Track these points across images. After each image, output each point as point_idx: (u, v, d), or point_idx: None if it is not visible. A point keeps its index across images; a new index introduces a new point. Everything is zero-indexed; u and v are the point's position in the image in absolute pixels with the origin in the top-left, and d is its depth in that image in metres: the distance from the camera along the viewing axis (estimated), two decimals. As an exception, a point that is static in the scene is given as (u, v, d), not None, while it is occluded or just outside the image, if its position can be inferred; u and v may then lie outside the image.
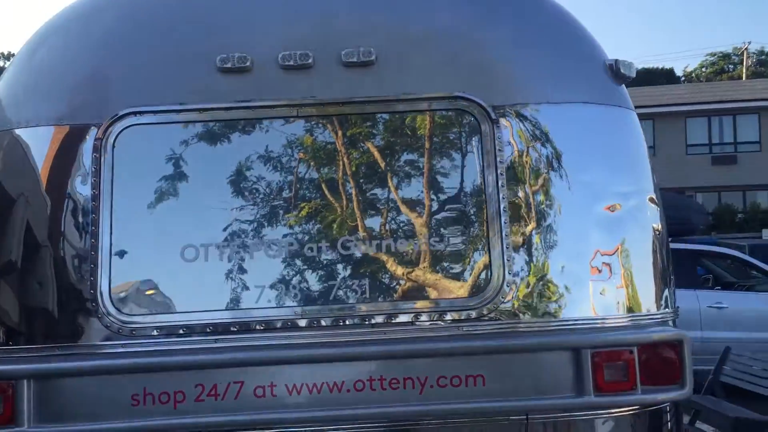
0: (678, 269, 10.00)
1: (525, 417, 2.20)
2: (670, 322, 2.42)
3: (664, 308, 2.44)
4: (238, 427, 2.13)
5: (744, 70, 42.92)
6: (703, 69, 48.75)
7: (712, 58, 48.33)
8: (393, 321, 2.22)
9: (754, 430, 6.12)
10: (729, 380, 6.90)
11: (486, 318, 2.22)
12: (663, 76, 43.45)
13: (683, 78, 47.15)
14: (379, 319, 2.22)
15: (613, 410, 2.24)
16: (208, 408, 2.13)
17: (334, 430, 2.17)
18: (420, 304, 2.24)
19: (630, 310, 2.35)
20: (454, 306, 2.23)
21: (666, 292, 2.46)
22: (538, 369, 2.22)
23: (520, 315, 2.24)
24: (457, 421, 2.20)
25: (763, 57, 47.58)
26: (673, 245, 10.10)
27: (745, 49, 44.07)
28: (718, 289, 9.75)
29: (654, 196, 2.48)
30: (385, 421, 2.18)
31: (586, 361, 2.18)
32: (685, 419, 7.29)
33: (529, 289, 2.26)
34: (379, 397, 2.16)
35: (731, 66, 47.37)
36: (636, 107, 2.55)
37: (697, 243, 11.41)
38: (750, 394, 6.56)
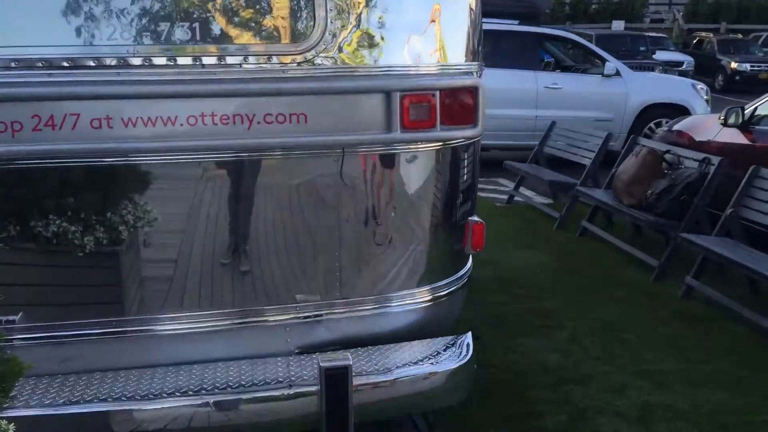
0: (521, 51, 10.57)
1: (341, 150, 2.52)
2: (474, 73, 2.75)
3: (471, 61, 2.76)
4: (76, 155, 2.31)
5: None
6: None
7: None
8: (223, 62, 2.39)
9: (563, 189, 7.03)
10: (553, 151, 7.73)
11: (309, 63, 2.45)
12: None
13: None
14: (210, 60, 2.39)
15: (417, 144, 2.61)
16: (46, 137, 2.28)
17: (166, 160, 2.39)
18: (248, 49, 2.42)
19: (440, 60, 2.64)
20: (280, 51, 2.43)
21: (473, 47, 2.76)
22: (354, 109, 2.51)
23: (340, 61, 2.48)
24: (281, 153, 2.49)
25: None
26: (518, 28, 10.55)
27: None
28: (557, 72, 10.47)
29: None
30: (214, 152, 2.43)
31: (395, 102, 2.50)
32: (510, 185, 8.19)
33: (349, 39, 2.48)
34: (209, 131, 2.39)
35: None
36: None
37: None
38: (569, 163, 7.41)
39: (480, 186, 9.23)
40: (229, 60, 2.40)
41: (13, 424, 1.62)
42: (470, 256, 3.11)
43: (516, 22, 10.03)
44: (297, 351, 2.65)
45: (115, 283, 2.48)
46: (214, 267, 2.53)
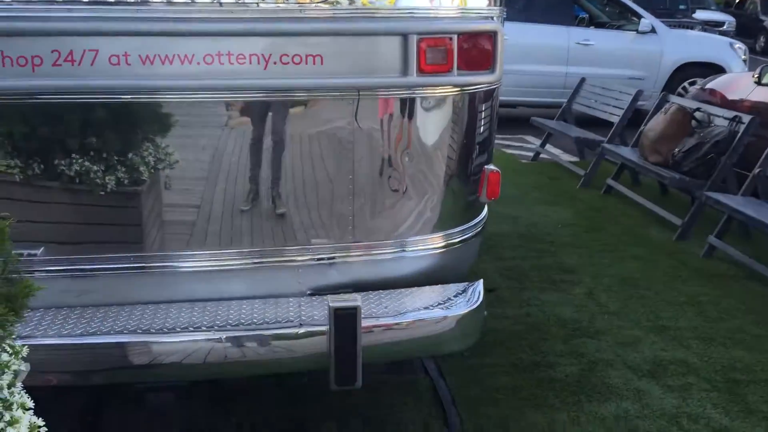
0: (553, 6, 10.32)
1: (357, 93, 2.52)
2: (495, 18, 2.70)
3: (492, 5, 2.72)
4: (94, 91, 2.33)
5: None
6: None
7: None
8: (240, 1, 2.38)
9: (589, 147, 6.95)
10: (582, 108, 7.63)
11: (326, 3, 2.42)
12: None
13: None
14: (228, -1, 2.38)
15: (434, 89, 2.59)
16: (65, 73, 2.30)
17: (183, 98, 2.41)
18: (266, -13, 2.40)
19: (460, 3, 2.60)
20: (297, -10, 2.42)
21: (496, -7, 2.72)
22: (371, 52, 2.49)
23: (358, 2, 2.45)
24: (297, 95, 2.49)
25: None
26: (550, -19, 10.17)
27: None
28: (590, 28, 10.25)
29: None
30: (230, 92, 2.43)
31: (412, 45, 2.47)
32: (537, 142, 8.11)
33: None
34: (225, 71, 2.39)
35: None
36: None
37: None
38: (598, 122, 7.31)
39: (506, 142, 9.19)
40: (247, -1, 2.39)
41: (26, 346, 1.68)
42: (485, 205, 3.11)
43: (550, -25, 9.80)
44: (309, 292, 2.68)
45: (134, 221, 2.53)
46: (227, 207, 2.55)
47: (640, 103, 6.78)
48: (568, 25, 9.63)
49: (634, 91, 6.63)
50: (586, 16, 10.88)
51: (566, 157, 7.78)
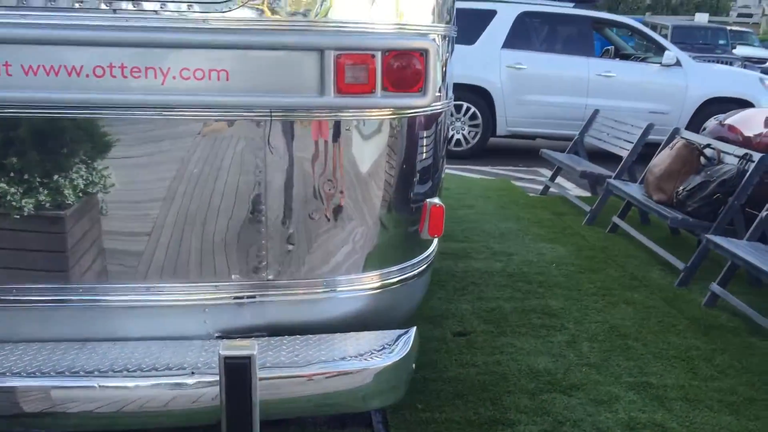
0: (573, 36, 9.96)
1: (269, 113, 2.25)
2: (433, 36, 2.41)
3: (435, 23, 2.44)
4: (-26, 103, 2.11)
5: None
6: None
7: None
8: (138, 8, 2.15)
9: (596, 181, 6.57)
10: (594, 141, 7.26)
11: (234, 13, 2.17)
12: None
13: None
14: (124, 5, 2.14)
15: (354, 111, 2.30)
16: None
17: (68, 114, 2.16)
18: (168, -6, 2.16)
19: (387, 18, 2.32)
20: (203, -1, 2.17)
21: (437, 8, 2.43)
22: (283, 68, 2.22)
23: (269, 12, 2.19)
24: (199, 113, 2.23)
25: None
26: (571, 11, 9.99)
27: None
28: (612, 59, 9.90)
29: None
30: (122, 108, 2.18)
31: (329, 62, 2.20)
32: (547, 174, 7.74)
33: None
34: (119, 85, 2.15)
35: None
36: None
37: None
38: (615, 156, 6.91)
39: (518, 175, 8.83)
40: (146, 6, 2.15)
41: None
42: (434, 242, 2.79)
43: (571, 5, 9.49)
44: (217, 335, 2.40)
45: (13, 248, 2.28)
46: (123, 238, 2.29)
47: (658, 137, 6.36)
48: (587, 56, 9.29)
49: (645, 125, 6.25)
50: (611, 47, 10.55)
51: (577, 192, 7.40)
